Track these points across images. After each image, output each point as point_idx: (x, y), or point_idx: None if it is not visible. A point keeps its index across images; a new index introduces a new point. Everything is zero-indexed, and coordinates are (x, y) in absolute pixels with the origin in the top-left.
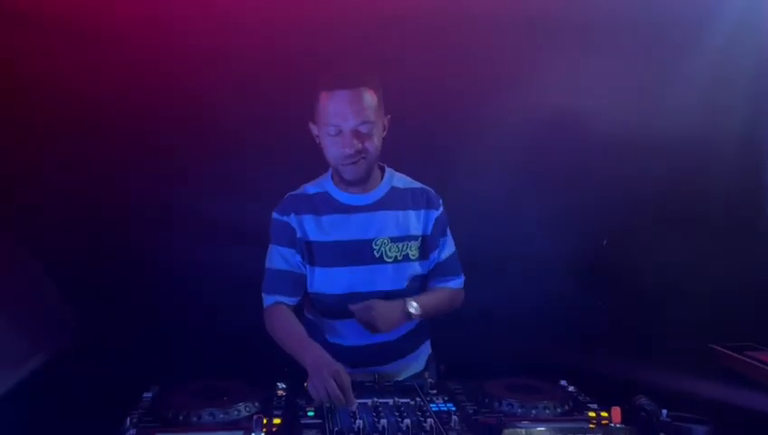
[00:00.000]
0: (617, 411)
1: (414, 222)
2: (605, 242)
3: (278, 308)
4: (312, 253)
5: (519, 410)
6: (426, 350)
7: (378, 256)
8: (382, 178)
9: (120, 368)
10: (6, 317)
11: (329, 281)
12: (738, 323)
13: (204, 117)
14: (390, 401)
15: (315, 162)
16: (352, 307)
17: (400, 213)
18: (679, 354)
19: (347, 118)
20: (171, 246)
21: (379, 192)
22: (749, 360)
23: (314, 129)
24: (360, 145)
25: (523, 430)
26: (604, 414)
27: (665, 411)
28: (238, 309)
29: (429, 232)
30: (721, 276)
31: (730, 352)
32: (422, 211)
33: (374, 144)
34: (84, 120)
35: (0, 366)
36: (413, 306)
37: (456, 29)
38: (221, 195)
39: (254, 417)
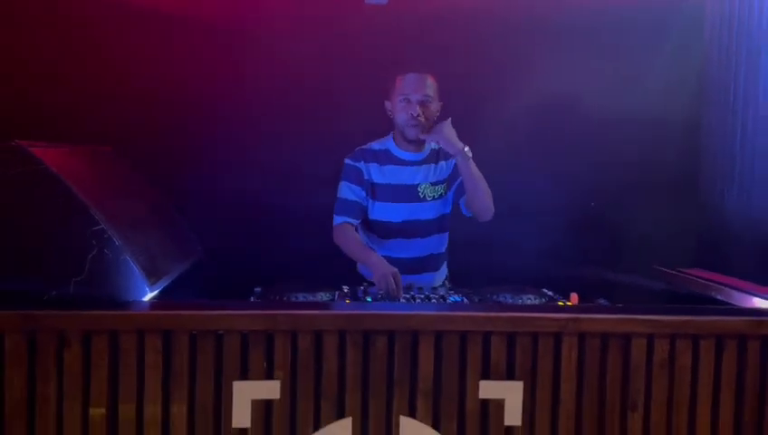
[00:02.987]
0: (575, 297)
1: (444, 168)
2: (593, 204)
3: (346, 226)
4: (375, 191)
5: (510, 301)
6: (444, 271)
7: (421, 196)
8: (426, 143)
9: (232, 274)
10: (159, 239)
11: (385, 212)
12: (676, 253)
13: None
14: (422, 295)
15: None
16: (437, 126)
17: (434, 165)
18: (633, 272)
19: (416, 90)
20: (270, 192)
21: (424, 152)
22: (678, 273)
23: (388, 105)
24: (420, 111)
25: None
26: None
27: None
28: (311, 235)
29: (453, 170)
30: (667, 221)
31: (667, 270)
32: (449, 160)
33: (431, 113)
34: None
35: (162, 267)
36: (468, 150)
37: (482, 34)
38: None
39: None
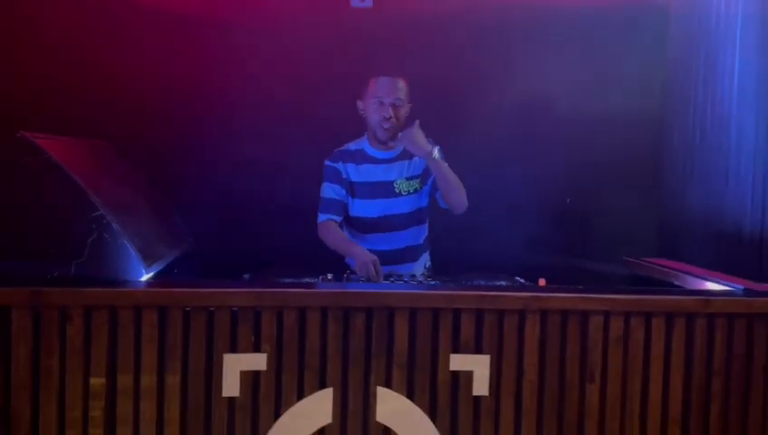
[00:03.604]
0: (542, 282)
1: (418, 163)
2: (568, 200)
3: (329, 223)
4: (353, 189)
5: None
6: (424, 261)
7: (397, 191)
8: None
9: (222, 263)
10: (154, 227)
11: (364, 208)
12: (643, 243)
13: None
14: (401, 281)
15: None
16: (405, 132)
17: (408, 161)
18: (603, 261)
19: (387, 94)
20: (258, 187)
21: (397, 150)
22: (642, 262)
23: (360, 104)
24: (392, 113)
25: None
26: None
27: None
28: (298, 227)
29: (425, 167)
30: (634, 214)
31: (633, 259)
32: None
33: (401, 115)
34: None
35: (157, 252)
36: (438, 152)
37: (460, 34)
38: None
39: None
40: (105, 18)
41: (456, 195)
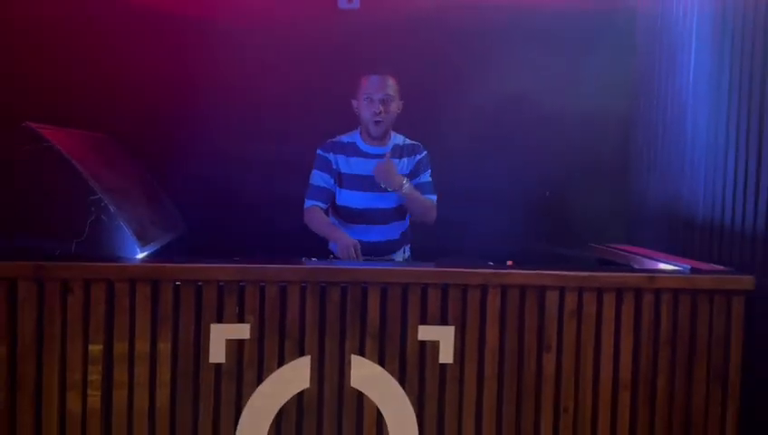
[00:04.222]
0: (510, 263)
1: (406, 164)
2: (547, 193)
3: (315, 208)
4: (342, 180)
5: None
6: (403, 254)
7: (383, 186)
8: (390, 139)
9: (212, 248)
10: (149, 212)
11: (350, 198)
12: (611, 230)
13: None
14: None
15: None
16: (377, 165)
17: (397, 160)
18: (572, 248)
19: (377, 91)
20: (248, 178)
21: (387, 147)
22: (608, 248)
23: (354, 103)
24: (383, 108)
25: None
26: None
27: None
28: (285, 216)
29: (414, 167)
30: (603, 203)
31: (599, 246)
32: (411, 157)
33: (391, 111)
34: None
35: (151, 234)
36: (408, 185)
37: (442, 36)
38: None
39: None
40: (105, 21)
41: (423, 218)
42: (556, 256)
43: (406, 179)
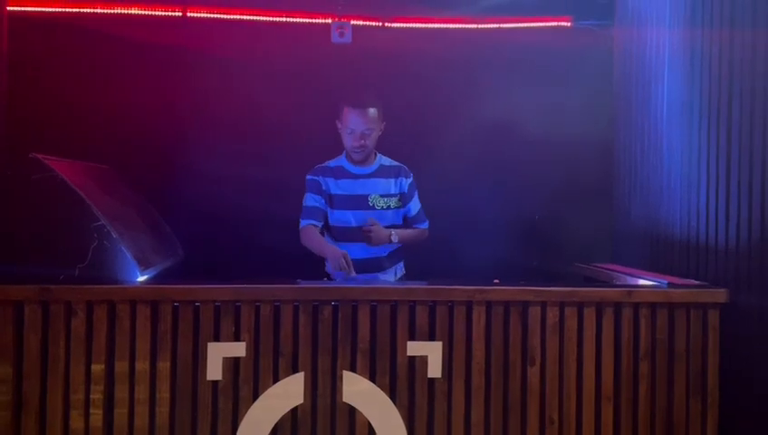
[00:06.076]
0: (497, 282)
1: (393, 185)
2: (537, 217)
3: (309, 227)
4: (332, 200)
5: None
6: (395, 272)
7: (371, 205)
8: (375, 159)
9: (210, 272)
10: (148, 238)
11: (342, 218)
12: (596, 249)
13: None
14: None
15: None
16: (364, 228)
17: (384, 180)
18: (555, 268)
19: (358, 125)
20: (243, 204)
21: (373, 167)
22: (592, 266)
23: (339, 124)
24: (363, 141)
25: None
26: None
27: None
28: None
29: (405, 191)
30: (588, 225)
31: (584, 265)
32: (398, 179)
33: (371, 141)
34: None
35: (151, 259)
36: (395, 236)
37: (430, 68)
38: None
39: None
40: (106, 57)
41: (415, 247)
42: (544, 275)
43: (391, 231)
